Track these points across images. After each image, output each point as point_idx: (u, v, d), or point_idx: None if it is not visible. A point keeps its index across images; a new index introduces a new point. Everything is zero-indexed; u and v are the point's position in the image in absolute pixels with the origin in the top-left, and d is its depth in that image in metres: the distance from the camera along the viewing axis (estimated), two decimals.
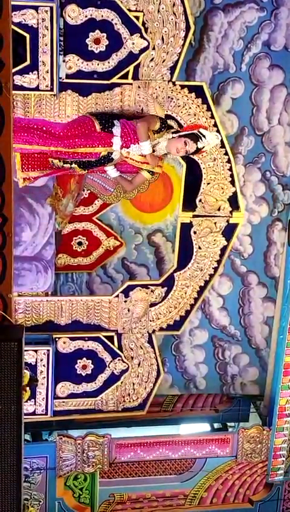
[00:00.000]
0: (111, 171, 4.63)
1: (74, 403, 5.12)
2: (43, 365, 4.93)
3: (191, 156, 4.61)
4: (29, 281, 5.02)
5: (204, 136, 4.44)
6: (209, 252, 5.06)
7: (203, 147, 4.46)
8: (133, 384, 5.21)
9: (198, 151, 4.48)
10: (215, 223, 5.00)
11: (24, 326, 3.27)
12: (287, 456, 5.61)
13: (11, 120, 2.46)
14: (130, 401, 5.24)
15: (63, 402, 5.09)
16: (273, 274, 5.50)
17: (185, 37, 4.50)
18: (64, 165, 4.50)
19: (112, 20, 4.36)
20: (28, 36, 4.22)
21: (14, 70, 4.24)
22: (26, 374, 2.66)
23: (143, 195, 5.19)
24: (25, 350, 4.77)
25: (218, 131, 4.72)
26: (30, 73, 4.33)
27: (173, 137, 4.47)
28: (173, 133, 4.50)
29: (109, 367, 5.09)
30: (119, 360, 5.09)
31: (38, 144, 4.39)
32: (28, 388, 2.65)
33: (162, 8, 4.41)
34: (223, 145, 4.79)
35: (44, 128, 4.42)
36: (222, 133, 4.75)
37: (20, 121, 4.41)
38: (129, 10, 4.37)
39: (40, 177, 4.59)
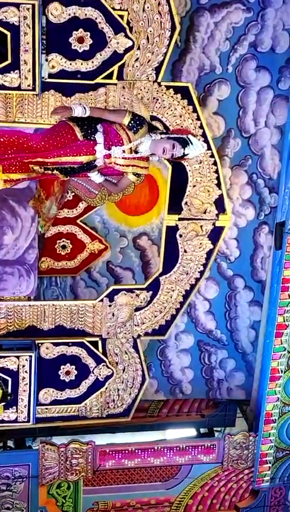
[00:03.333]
0: (95, 177, 4.48)
1: (57, 409, 5.01)
2: (25, 371, 4.82)
3: (173, 160, 4.49)
4: (11, 285, 4.92)
5: (191, 143, 4.30)
6: (195, 256, 4.98)
7: (189, 154, 4.31)
8: (118, 390, 5.12)
9: (182, 157, 4.34)
10: (201, 226, 4.92)
11: None
12: (274, 462, 5.54)
13: None
14: (114, 407, 5.14)
15: (46, 409, 4.98)
16: (260, 278, 5.44)
17: (171, 37, 4.42)
18: (46, 171, 4.35)
19: (96, 18, 4.26)
20: (9, 34, 4.11)
21: None
22: None
23: (128, 197, 5.11)
24: (7, 356, 4.74)
25: (204, 133, 4.63)
26: (11, 72, 4.22)
27: (161, 138, 4.33)
28: (160, 133, 4.38)
29: (93, 373, 4.99)
30: (103, 365, 5.00)
31: (15, 157, 4.23)
32: (1, 404, 2.53)
33: (147, 7, 4.33)
34: (209, 148, 4.71)
35: (20, 141, 4.23)
36: (208, 135, 4.67)
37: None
38: (113, 9, 4.27)
39: (22, 180, 4.46)
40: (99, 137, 4.25)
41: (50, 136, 4.22)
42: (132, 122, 4.25)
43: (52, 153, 4.23)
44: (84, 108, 4.18)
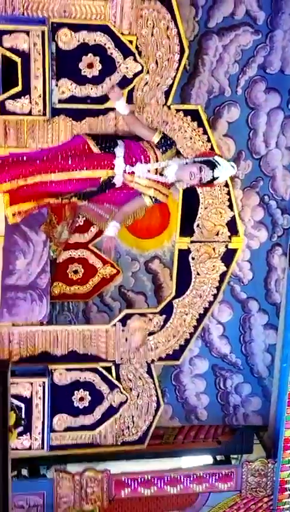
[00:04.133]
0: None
1: (71, 436, 4.93)
2: (39, 398, 4.76)
3: (202, 186, 4.26)
4: (23, 311, 4.88)
5: (220, 165, 4.08)
6: (208, 278, 4.93)
7: (219, 177, 4.07)
8: (132, 416, 5.03)
9: (212, 181, 4.10)
10: (213, 249, 4.88)
11: (8, 360, 3.10)
12: None
13: None
14: (129, 435, 5.05)
15: (60, 436, 4.91)
16: (275, 300, 5.36)
17: (180, 60, 4.44)
18: (64, 201, 4.24)
19: (105, 44, 4.30)
20: (19, 61, 4.15)
21: (5, 95, 4.20)
22: (12, 414, 2.48)
23: (139, 221, 5.07)
24: (20, 382, 4.69)
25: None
26: (22, 98, 4.25)
27: (186, 162, 4.10)
28: (184, 158, 4.15)
29: (107, 399, 4.92)
30: (117, 391, 4.92)
31: (27, 174, 4.08)
32: (14, 429, 2.47)
33: (156, 32, 4.36)
34: None
35: (29, 156, 4.15)
36: None
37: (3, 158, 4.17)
38: (122, 34, 4.31)
39: (33, 210, 4.37)
40: (119, 151, 4.11)
41: (63, 147, 4.13)
42: (162, 141, 4.12)
43: (65, 166, 4.06)
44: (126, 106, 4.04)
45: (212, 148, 4.62)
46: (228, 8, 4.78)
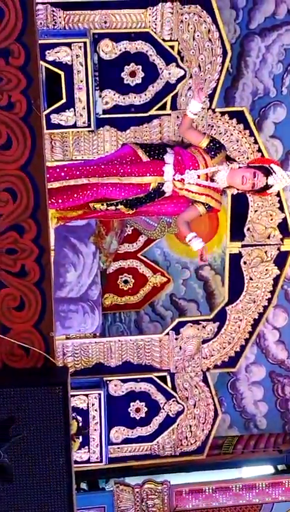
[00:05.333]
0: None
1: (129, 448, 4.88)
2: (95, 410, 4.73)
3: (254, 194, 4.12)
4: (76, 323, 4.88)
5: (275, 173, 3.87)
6: (261, 283, 4.83)
7: (273, 185, 3.87)
8: (190, 426, 4.94)
9: (265, 189, 3.91)
10: (265, 252, 4.78)
11: (68, 367, 3.08)
12: None
13: (42, 141, 2.35)
14: (188, 445, 4.96)
15: (118, 448, 4.86)
16: None
17: (223, 62, 4.39)
18: (109, 208, 4.21)
19: (147, 51, 4.29)
20: (62, 74, 4.19)
21: (50, 109, 4.23)
22: (74, 422, 2.45)
23: None
24: (76, 395, 4.67)
25: (263, 156, 4.53)
26: (67, 111, 4.28)
27: (239, 167, 3.96)
28: (237, 163, 4.02)
29: (163, 409, 4.85)
30: (173, 401, 4.85)
31: (74, 176, 4.04)
32: (77, 437, 2.44)
33: (197, 36, 4.33)
34: None
35: (80, 163, 4.13)
36: None
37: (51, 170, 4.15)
38: (164, 40, 4.30)
39: (77, 218, 4.37)
40: (168, 158, 4.03)
41: (112, 156, 4.11)
42: (211, 144, 3.99)
43: (116, 170, 4.00)
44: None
45: (259, 151, 4.54)
46: (269, 8, 4.72)
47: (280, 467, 5.61)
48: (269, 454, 5.47)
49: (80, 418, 4.65)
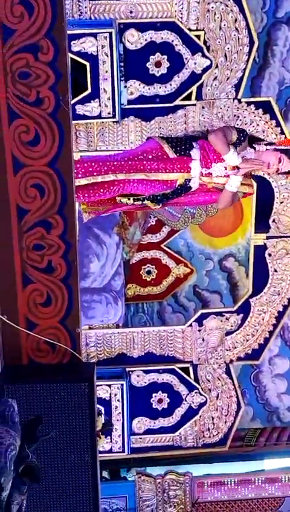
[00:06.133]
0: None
1: (152, 439, 4.90)
2: (118, 400, 4.75)
3: (280, 174, 4.10)
4: (99, 313, 4.89)
5: None
6: (286, 275, 4.78)
7: None
8: (213, 418, 4.94)
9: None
10: None
11: (95, 363, 3.09)
12: None
13: (70, 137, 2.33)
14: (210, 436, 4.96)
15: (140, 438, 4.88)
16: None
17: (249, 52, 4.32)
18: (135, 203, 4.17)
19: (172, 41, 4.24)
20: (88, 64, 4.16)
21: (75, 99, 4.20)
22: (100, 418, 2.46)
23: (212, 219, 4.95)
24: (98, 385, 4.68)
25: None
26: (92, 101, 4.25)
27: (266, 149, 3.97)
28: (265, 144, 4.00)
29: (186, 400, 4.86)
30: (196, 392, 4.85)
31: (102, 172, 4.03)
32: (102, 434, 2.44)
33: (224, 25, 4.26)
34: None
35: (102, 158, 4.09)
36: None
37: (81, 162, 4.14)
38: (189, 30, 4.24)
39: (109, 211, 4.35)
40: (195, 153, 4.00)
41: (138, 150, 4.06)
42: (237, 138, 3.95)
43: (143, 167, 3.96)
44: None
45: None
46: None
47: None
48: None
49: (101, 408, 4.68)
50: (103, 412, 4.68)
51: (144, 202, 4.16)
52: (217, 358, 4.89)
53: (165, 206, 4.33)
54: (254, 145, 4.05)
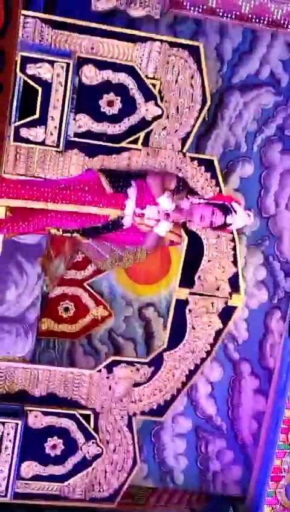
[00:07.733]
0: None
1: (38, 486, 4.61)
2: (9, 440, 4.47)
3: (213, 229, 4.09)
4: (7, 344, 4.66)
5: (235, 212, 3.92)
6: (203, 334, 4.75)
7: (231, 224, 3.91)
8: (106, 472, 4.73)
9: (224, 226, 3.93)
10: (212, 304, 4.72)
11: None
12: None
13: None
14: (99, 491, 4.73)
15: (26, 484, 4.59)
16: (268, 365, 5.16)
17: (200, 110, 4.40)
18: (64, 234, 4.09)
19: (128, 84, 4.26)
20: (40, 89, 4.09)
21: (21, 122, 4.11)
22: None
23: (139, 265, 4.93)
24: None
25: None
26: (38, 127, 4.17)
27: (199, 202, 3.99)
28: (198, 198, 4.03)
29: (81, 449, 4.63)
30: (93, 443, 4.64)
31: (33, 197, 3.93)
32: None
33: (181, 79, 4.34)
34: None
35: (35, 183, 3.98)
36: None
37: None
38: (147, 77, 4.28)
39: (29, 233, 4.21)
40: (131, 192, 3.98)
41: (76, 179, 4.02)
42: (177, 185, 3.97)
43: (78, 197, 3.89)
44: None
45: None
46: (253, 66, 4.80)
47: None
48: (181, 511, 5.28)
49: None
50: None
51: (73, 235, 4.06)
52: (120, 410, 4.73)
53: (94, 240, 4.24)
54: (188, 196, 4.07)
